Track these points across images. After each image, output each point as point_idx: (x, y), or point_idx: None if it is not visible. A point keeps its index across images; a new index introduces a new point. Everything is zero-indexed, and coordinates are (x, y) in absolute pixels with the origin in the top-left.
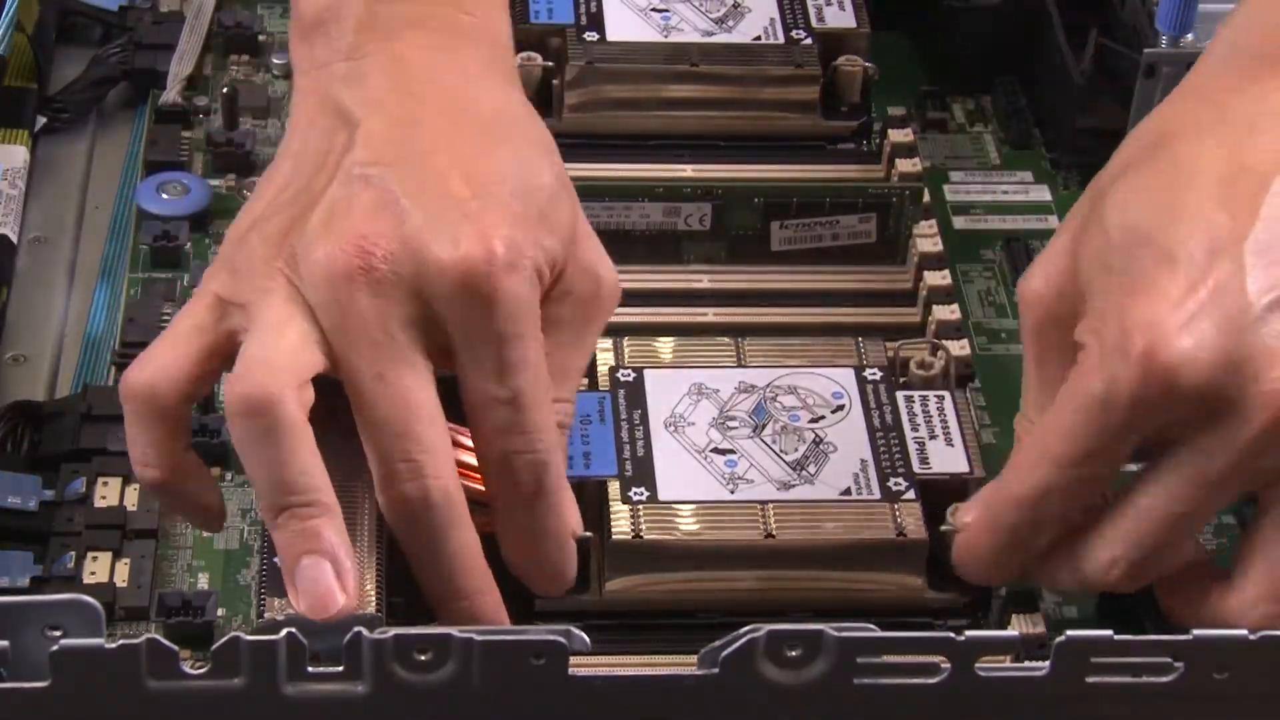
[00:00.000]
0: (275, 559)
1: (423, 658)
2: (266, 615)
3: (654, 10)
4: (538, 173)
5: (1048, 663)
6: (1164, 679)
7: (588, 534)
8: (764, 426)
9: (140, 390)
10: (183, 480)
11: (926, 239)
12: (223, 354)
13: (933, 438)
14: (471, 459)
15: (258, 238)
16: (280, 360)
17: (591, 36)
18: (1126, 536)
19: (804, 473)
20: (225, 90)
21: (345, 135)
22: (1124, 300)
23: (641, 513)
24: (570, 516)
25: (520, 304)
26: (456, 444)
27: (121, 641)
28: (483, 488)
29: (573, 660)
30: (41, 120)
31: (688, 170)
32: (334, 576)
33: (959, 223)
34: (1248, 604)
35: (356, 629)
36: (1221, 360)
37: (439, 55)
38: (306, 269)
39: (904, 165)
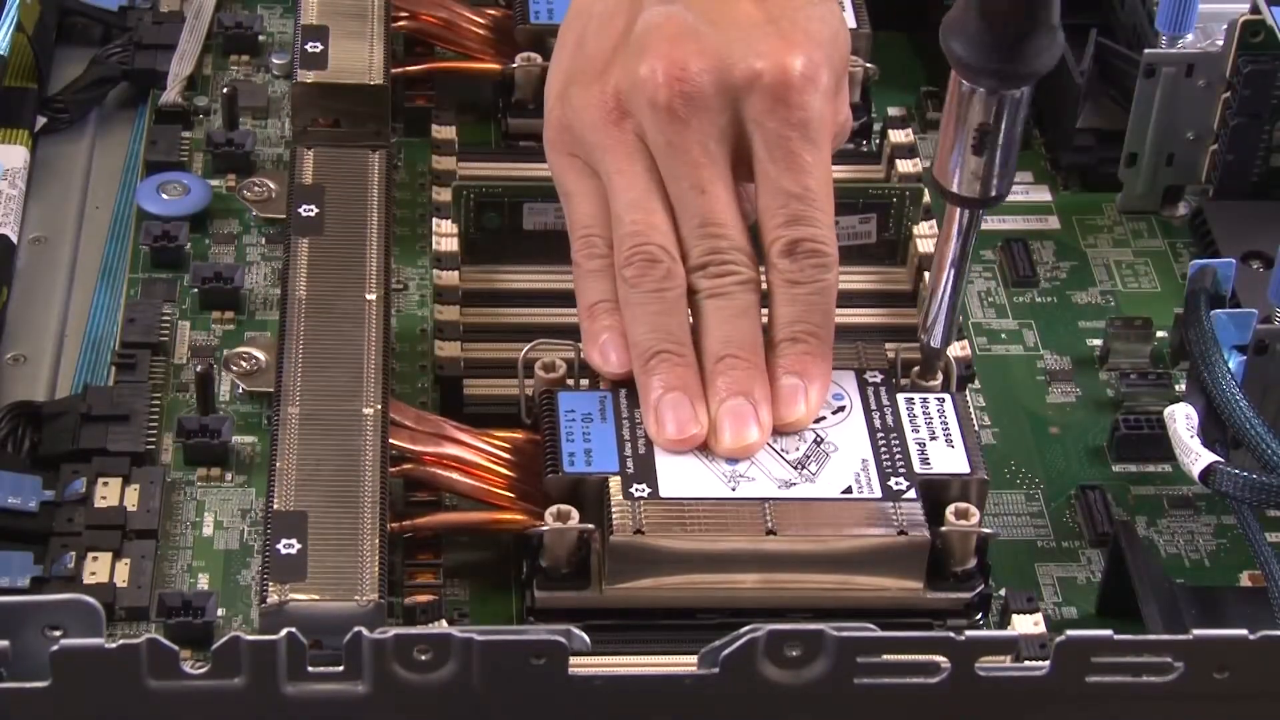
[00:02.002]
0: (279, 545)
1: (423, 658)
2: (269, 600)
3: None
4: (828, 9)
5: (1048, 663)
6: (1164, 679)
7: None
8: None
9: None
10: None
11: (926, 239)
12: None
13: (933, 438)
14: (474, 456)
15: (578, 91)
16: (656, 216)
17: None
18: None
19: (805, 471)
20: (225, 90)
21: None
22: None
23: (643, 510)
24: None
25: (815, 115)
26: (459, 442)
27: (121, 641)
28: (485, 486)
29: (573, 660)
30: (41, 120)
31: None
32: (694, 411)
33: None
34: None
35: (356, 629)
36: None
37: None
38: (632, 101)
39: (904, 165)
